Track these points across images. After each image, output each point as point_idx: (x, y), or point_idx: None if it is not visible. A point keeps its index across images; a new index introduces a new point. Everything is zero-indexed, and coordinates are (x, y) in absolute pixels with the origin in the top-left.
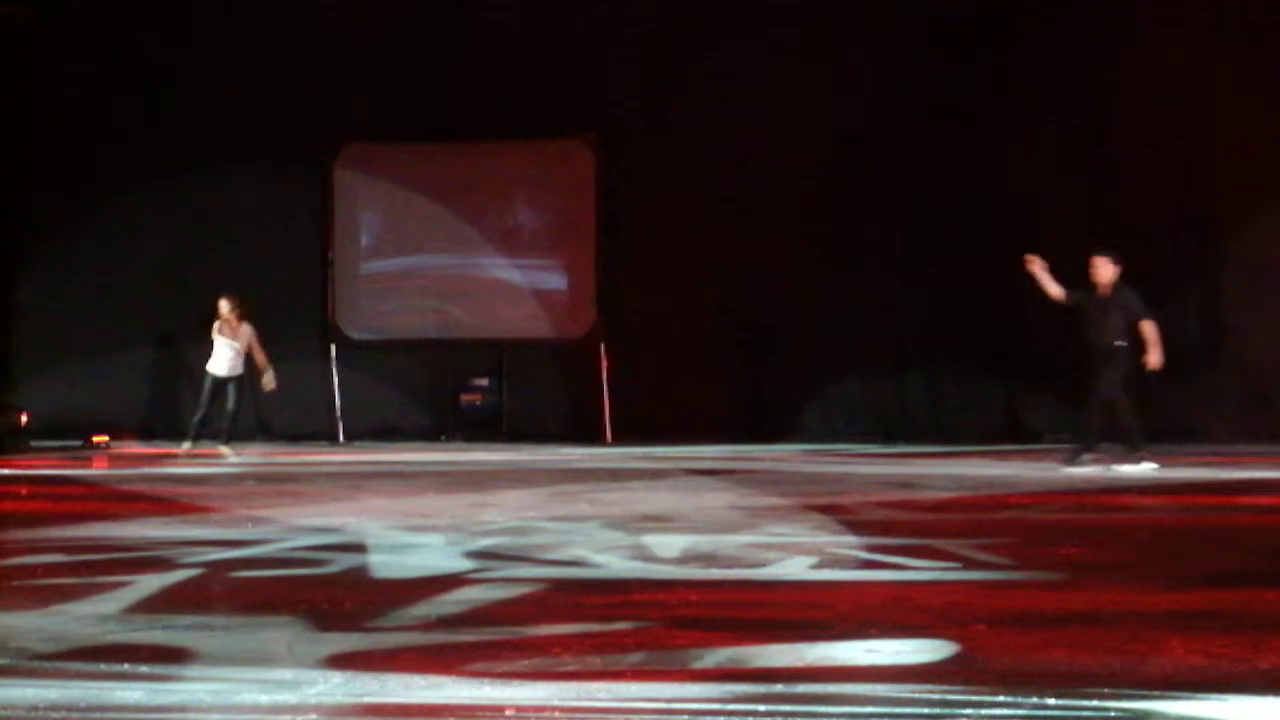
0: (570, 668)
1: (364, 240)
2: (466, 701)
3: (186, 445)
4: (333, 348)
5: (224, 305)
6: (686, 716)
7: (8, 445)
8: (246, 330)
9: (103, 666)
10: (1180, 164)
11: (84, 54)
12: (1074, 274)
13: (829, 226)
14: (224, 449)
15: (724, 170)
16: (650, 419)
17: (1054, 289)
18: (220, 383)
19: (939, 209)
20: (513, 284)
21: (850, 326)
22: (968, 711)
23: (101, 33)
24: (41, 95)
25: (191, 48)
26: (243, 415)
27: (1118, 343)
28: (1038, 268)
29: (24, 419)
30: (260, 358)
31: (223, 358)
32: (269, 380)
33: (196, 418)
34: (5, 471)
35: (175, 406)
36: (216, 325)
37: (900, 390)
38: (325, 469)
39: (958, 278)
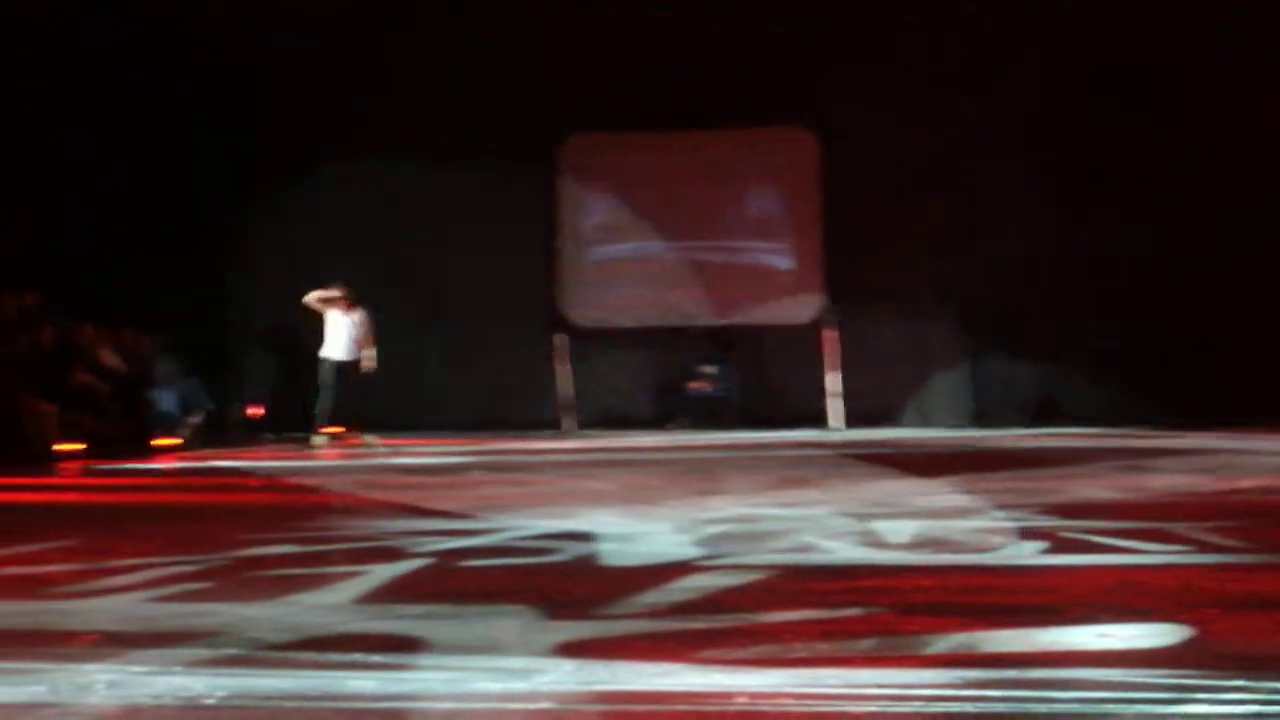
0: (800, 654)
1: (590, 229)
2: (697, 688)
3: (319, 439)
4: (560, 337)
5: (336, 292)
6: (918, 703)
7: (236, 437)
8: (362, 315)
9: (335, 656)
10: None
11: (305, 38)
12: None
13: (1055, 209)
14: (371, 438)
15: (947, 154)
16: (877, 404)
17: None
18: (338, 367)
19: (1170, 197)
20: (738, 270)
21: (1079, 309)
22: (1202, 696)
23: (323, 21)
24: (260, 84)
25: (418, 35)
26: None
27: None
28: None
29: (252, 411)
30: (369, 340)
31: (338, 342)
32: (368, 359)
33: (322, 407)
34: (235, 464)
35: (399, 397)
36: (329, 310)
37: (1130, 372)
38: (552, 457)
39: (1198, 265)
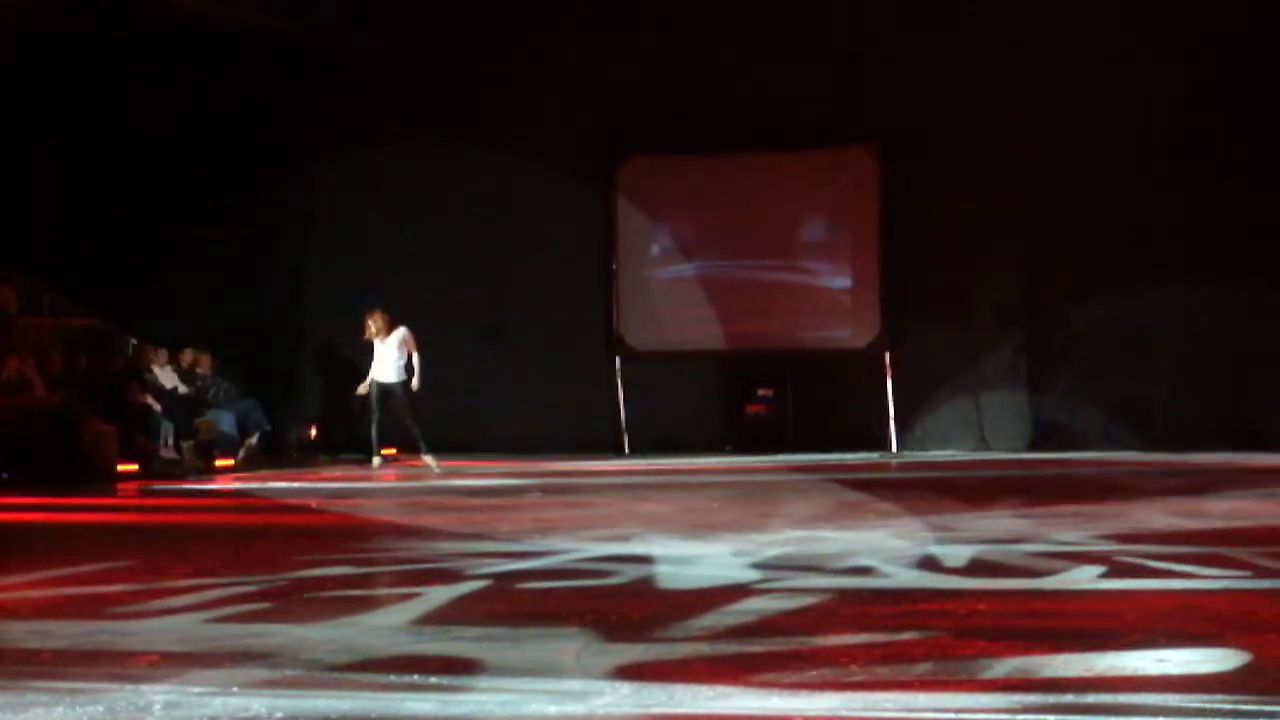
0: (858, 678)
1: (648, 252)
2: (754, 712)
3: (377, 461)
4: (617, 359)
5: (370, 321)
6: None
7: (294, 459)
8: (402, 334)
9: (393, 677)
10: None
11: (360, 65)
12: None
13: (1116, 230)
14: (428, 459)
15: (1008, 178)
16: (935, 427)
17: None
18: (384, 389)
19: (1239, 209)
20: (796, 294)
21: (1141, 332)
22: None
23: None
24: (318, 107)
25: (479, 57)
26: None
27: None
28: None
29: (313, 432)
30: (416, 361)
31: (381, 364)
32: (414, 380)
33: (372, 430)
34: (296, 485)
35: (456, 419)
36: (372, 333)
37: (1190, 396)
38: (610, 480)
39: (1257, 283)
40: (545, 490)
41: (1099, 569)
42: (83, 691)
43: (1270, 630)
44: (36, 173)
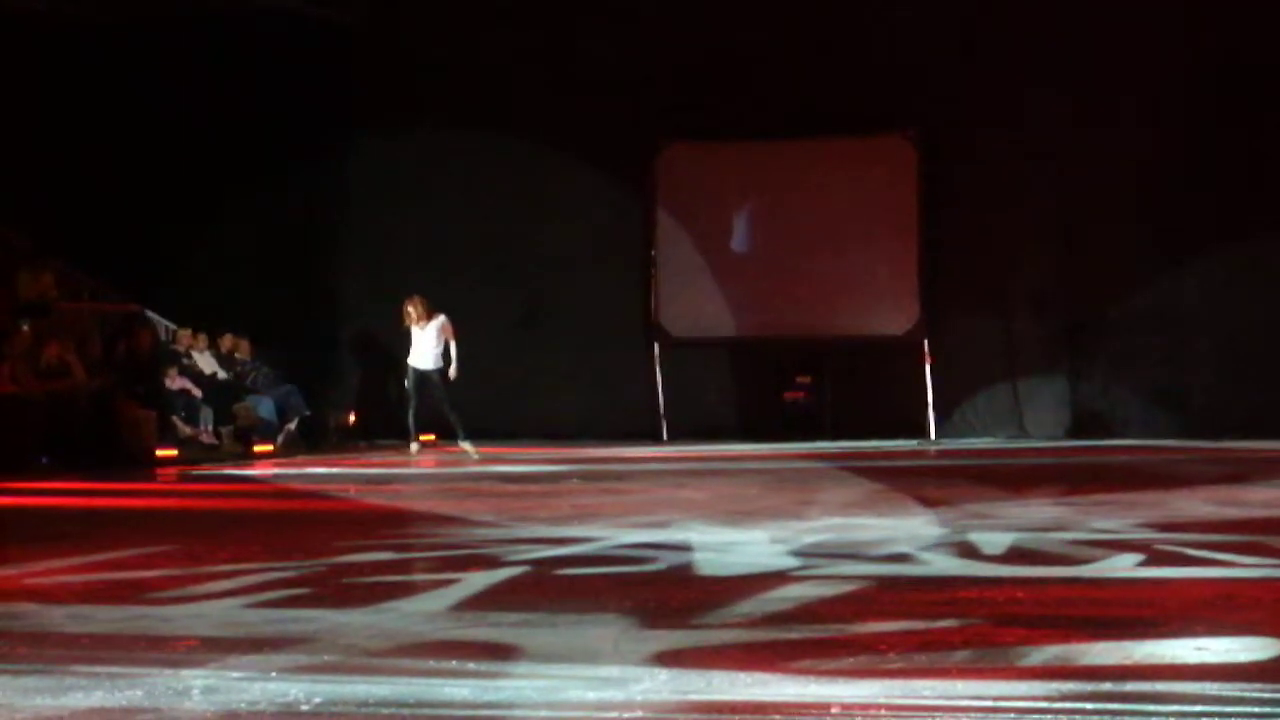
0: (896, 665)
1: (686, 239)
2: (792, 699)
3: (414, 447)
4: (656, 346)
5: (410, 307)
6: (1013, 715)
7: (333, 444)
8: (441, 322)
9: (431, 663)
10: None
11: (400, 51)
12: None
13: (1154, 217)
14: (466, 446)
15: (1044, 165)
16: (975, 414)
17: None
18: (422, 376)
19: (1277, 195)
20: (835, 281)
21: (1180, 319)
22: None
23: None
24: (354, 93)
25: (517, 44)
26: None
27: None
28: None
29: (352, 418)
30: (453, 349)
31: (419, 351)
32: (452, 367)
33: (410, 416)
34: (335, 470)
35: (495, 405)
36: (412, 320)
37: (1230, 383)
38: (648, 466)
39: None
40: (583, 477)
41: (1138, 557)
42: (122, 676)
43: None
44: (75, 159)
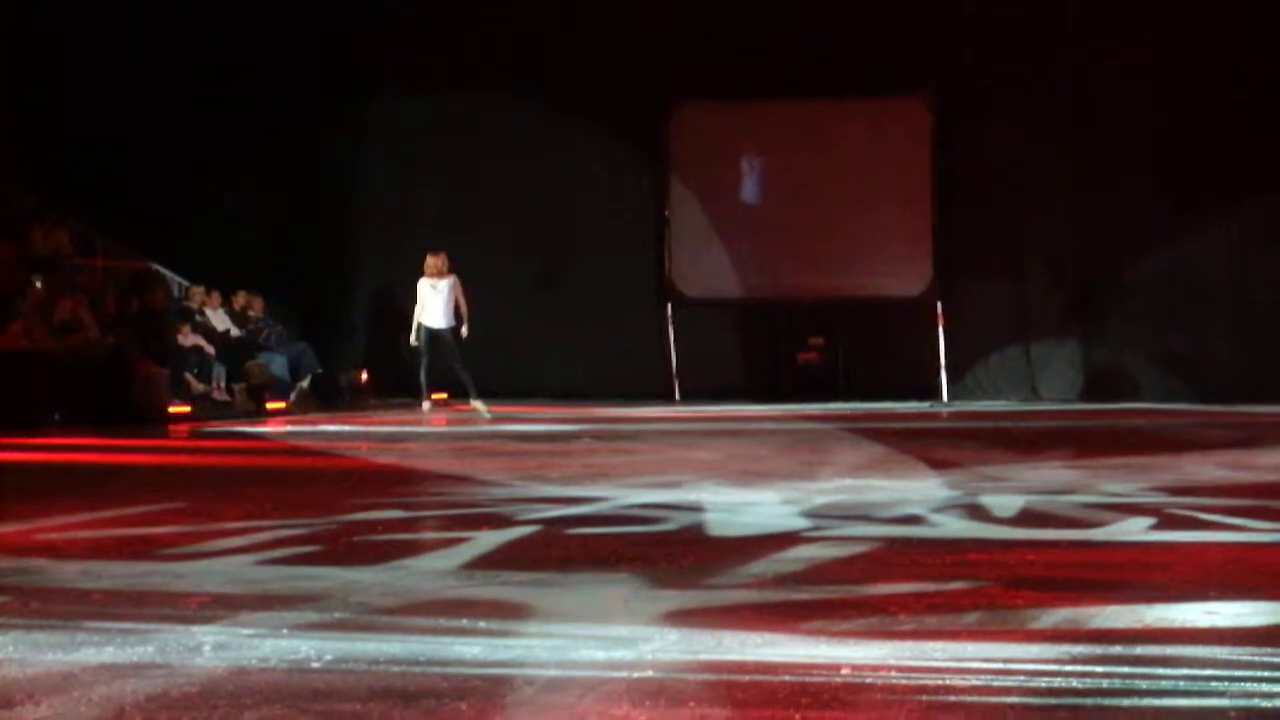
0: (906, 627)
1: (699, 199)
2: (802, 659)
3: (426, 405)
4: (669, 306)
5: (431, 259)
6: (1023, 677)
7: (345, 402)
8: (452, 280)
9: (442, 621)
10: None
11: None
12: None
13: (1168, 181)
14: (478, 405)
15: (1059, 128)
16: (987, 376)
17: None
18: (434, 334)
19: None
20: (848, 242)
21: (1193, 284)
22: None
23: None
24: (378, 51)
25: (533, 8)
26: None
27: None
28: None
29: (364, 376)
30: (464, 308)
31: (430, 310)
32: (463, 326)
33: (421, 374)
34: (347, 428)
35: (508, 364)
36: (432, 272)
37: (1243, 347)
38: (661, 426)
39: None
40: (595, 436)
41: (1149, 520)
42: (133, 632)
43: None
44: (90, 115)
